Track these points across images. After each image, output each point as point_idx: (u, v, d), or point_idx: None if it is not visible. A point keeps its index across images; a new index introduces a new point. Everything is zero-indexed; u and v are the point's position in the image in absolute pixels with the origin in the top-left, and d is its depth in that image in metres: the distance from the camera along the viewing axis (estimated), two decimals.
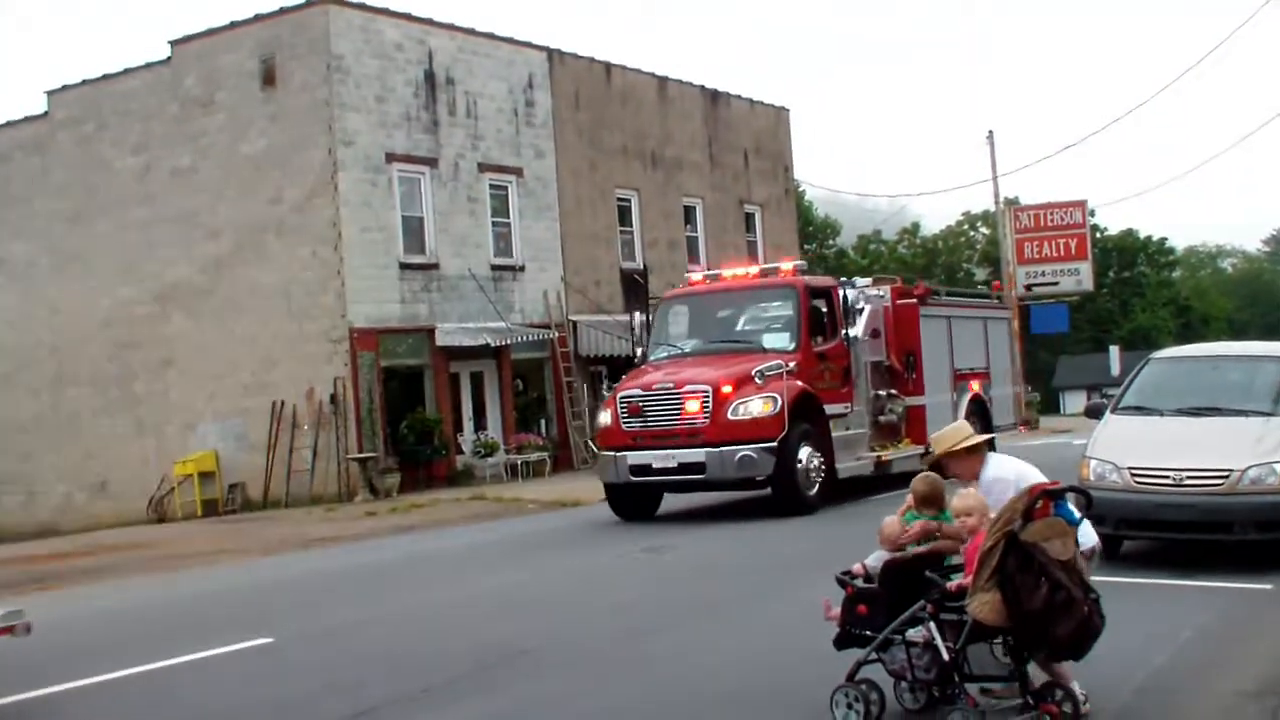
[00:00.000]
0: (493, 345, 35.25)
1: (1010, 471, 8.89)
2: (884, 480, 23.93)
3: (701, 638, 12.40)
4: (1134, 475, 14.46)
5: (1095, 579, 8.21)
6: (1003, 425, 28.32)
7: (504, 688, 10.74)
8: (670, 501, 23.70)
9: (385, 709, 10.25)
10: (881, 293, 25.50)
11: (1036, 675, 8.23)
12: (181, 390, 35.62)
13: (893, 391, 24.81)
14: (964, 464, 9.08)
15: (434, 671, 11.39)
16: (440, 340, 34.33)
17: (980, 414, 26.35)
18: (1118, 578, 12.94)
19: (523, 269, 37.44)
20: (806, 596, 11.54)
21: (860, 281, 25.98)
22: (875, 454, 23.80)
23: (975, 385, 27.18)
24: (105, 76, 37.53)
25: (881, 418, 24.42)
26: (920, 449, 22.94)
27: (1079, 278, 53.97)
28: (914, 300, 25.73)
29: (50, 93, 38.87)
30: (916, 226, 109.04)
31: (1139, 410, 15.76)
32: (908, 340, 25.31)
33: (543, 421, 37.90)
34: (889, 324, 25.08)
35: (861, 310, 23.83)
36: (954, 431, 9.24)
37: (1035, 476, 8.71)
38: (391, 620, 14.32)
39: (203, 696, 11.18)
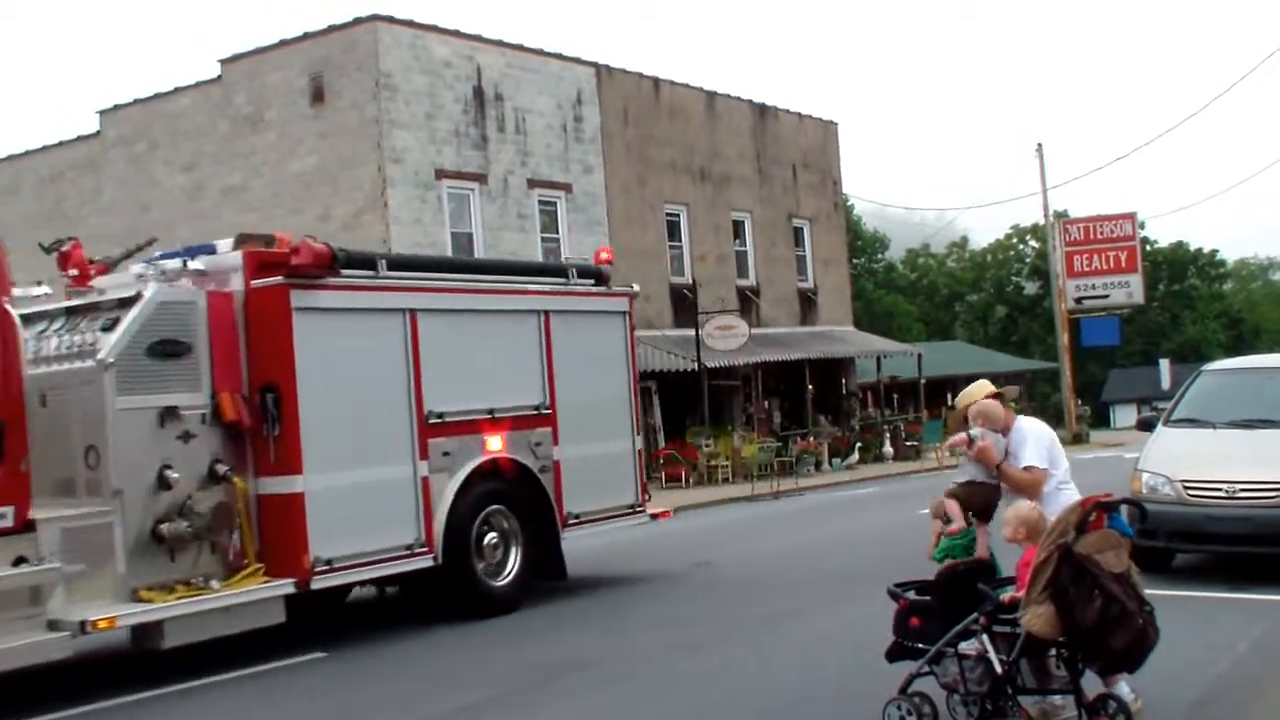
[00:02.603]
0: None
1: (1042, 432, 9.39)
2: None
3: (754, 650, 12.40)
4: (1186, 488, 14.40)
5: (1148, 592, 8.18)
6: (608, 512, 16.89)
7: (560, 700, 10.77)
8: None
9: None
10: (223, 263, 13.70)
11: (1090, 687, 8.21)
12: None
13: (220, 468, 12.94)
14: (1004, 413, 9.46)
15: (486, 686, 11.43)
16: None
17: (504, 497, 15.30)
18: (1171, 591, 12.88)
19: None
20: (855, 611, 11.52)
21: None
22: (143, 604, 12.00)
23: (499, 441, 15.29)
24: (156, 95, 37.89)
25: (167, 526, 12.33)
26: (285, 582, 13.02)
27: (1129, 290, 53.70)
28: (284, 279, 13.45)
29: (102, 112, 39.28)
30: (965, 240, 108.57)
31: (1191, 423, 15.68)
32: (271, 362, 13.35)
33: None
34: (224, 329, 13.29)
35: (133, 301, 12.86)
36: (979, 387, 9.74)
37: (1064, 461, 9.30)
38: (439, 634, 14.34)
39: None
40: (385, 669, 12.48)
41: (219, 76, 36.09)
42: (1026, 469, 9.15)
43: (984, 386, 9.71)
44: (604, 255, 18.19)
